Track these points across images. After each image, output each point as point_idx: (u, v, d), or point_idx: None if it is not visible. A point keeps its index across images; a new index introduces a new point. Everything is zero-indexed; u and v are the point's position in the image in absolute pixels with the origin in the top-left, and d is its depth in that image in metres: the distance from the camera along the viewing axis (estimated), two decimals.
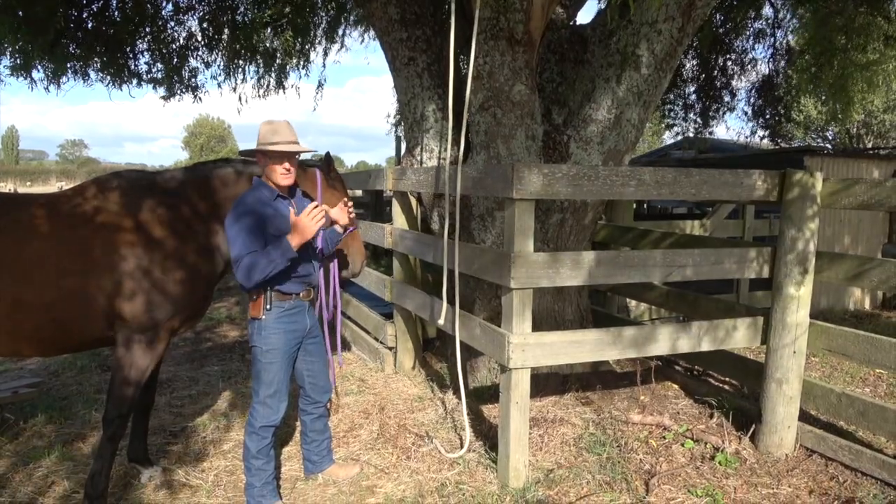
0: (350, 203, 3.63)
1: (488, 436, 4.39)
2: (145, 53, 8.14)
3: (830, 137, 28.90)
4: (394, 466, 4.10)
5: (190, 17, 8.11)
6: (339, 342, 3.84)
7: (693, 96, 12.04)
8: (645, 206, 14.23)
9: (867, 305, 9.27)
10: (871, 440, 4.37)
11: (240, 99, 9.18)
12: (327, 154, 4.01)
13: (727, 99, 11.80)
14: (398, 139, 15.64)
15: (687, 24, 4.87)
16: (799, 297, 4.05)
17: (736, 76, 11.45)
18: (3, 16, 6.08)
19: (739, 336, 4.22)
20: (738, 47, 11.13)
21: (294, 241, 3.21)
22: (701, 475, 3.88)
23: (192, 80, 8.70)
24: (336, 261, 3.92)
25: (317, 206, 3.27)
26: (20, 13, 6.24)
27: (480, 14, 4.44)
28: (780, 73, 11.37)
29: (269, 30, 7.80)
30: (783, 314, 4.08)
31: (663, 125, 14.17)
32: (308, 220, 3.22)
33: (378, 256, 12.80)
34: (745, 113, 12.54)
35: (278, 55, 8.65)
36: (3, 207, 3.37)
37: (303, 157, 3.66)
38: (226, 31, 8.00)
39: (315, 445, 3.89)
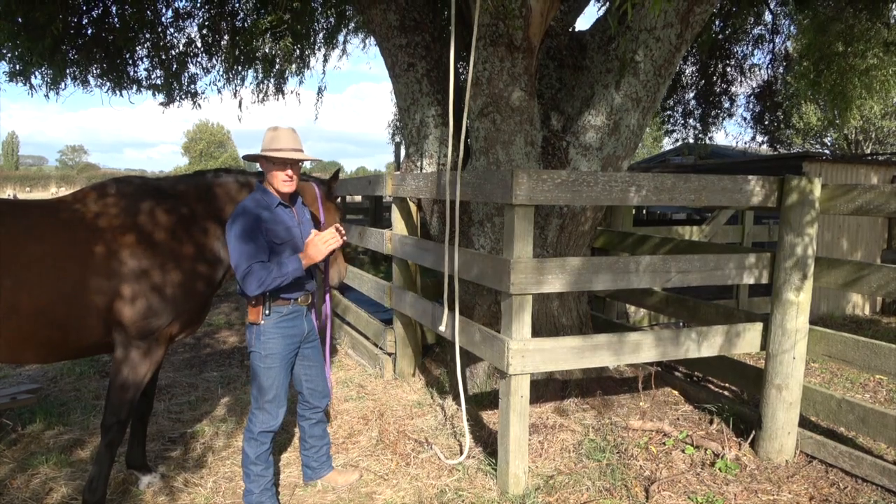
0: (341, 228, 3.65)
1: (488, 442, 4.38)
2: (145, 60, 8.16)
3: (829, 143, 28.96)
4: (393, 473, 4.09)
5: (189, 24, 8.14)
6: (328, 349, 3.87)
7: (692, 102, 12.08)
8: (644, 211, 14.25)
9: (867, 311, 9.27)
10: (872, 446, 4.37)
11: (239, 105, 9.22)
12: (336, 172, 4.12)
13: (726, 105, 11.84)
14: (397, 145, 15.68)
15: (685, 31, 4.88)
16: (798, 303, 4.05)
17: (735, 82, 11.48)
18: (2, 21, 6.09)
19: (739, 342, 4.21)
20: (738, 53, 11.17)
21: (305, 260, 3.33)
22: (701, 481, 3.87)
23: (192, 86, 8.72)
24: (327, 269, 3.93)
25: (331, 233, 3.41)
26: (19, 19, 6.26)
27: (480, 20, 4.45)
28: (780, 78, 11.41)
29: (268, 36, 7.82)
30: (783, 320, 4.08)
31: (663, 131, 14.21)
32: (323, 245, 3.37)
33: (377, 262, 12.81)
34: (745, 119, 12.59)
35: (278, 61, 8.66)
36: (2, 213, 3.36)
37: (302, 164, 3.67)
38: (225, 37, 8.01)
39: (314, 451, 3.88)
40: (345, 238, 3.56)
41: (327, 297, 3.98)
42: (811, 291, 4.08)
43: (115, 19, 7.27)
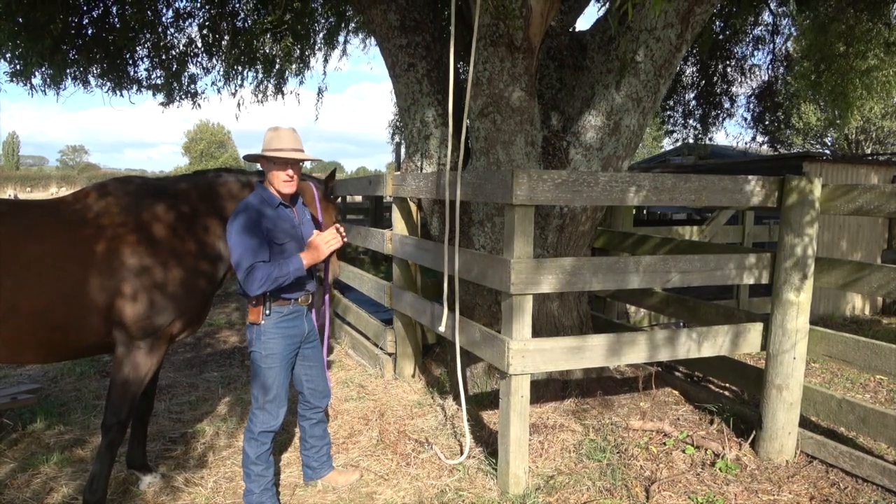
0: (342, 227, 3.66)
1: (488, 442, 4.38)
2: (145, 60, 8.16)
3: (829, 143, 28.97)
4: (393, 473, 4.09)
5: (190, 24, 8.15)
6: (326, 346, 3.88)
7: (693, 102, 12.08)
8: (644, 211, 14.26)
9: (867, 311, 9.27)
10: (872, 447, 4.37)
11: (238, 105, 9.23)
12: (333, 171, 4.14)
13: (727, 105, 11.85)
14: (397, 145, 15.69)
15: (686, 31, 4.88)
16: (798, 303, 4.05)
17: (735, 82, 11.49)
18: (2, 21, 6.09)
19: (739, 342, 4.21)
20: (738, 53, 11.17)
21: (307, 260, 3.33)
22: (701, 482, 3.87)
23: (192, 86, 8.73)
24: (327, 269, 3.94)
25: (332, 233, 3.43)
26: (20, 19, 6.26)
27: (480, 21, 4.45)
28: (780, 79, 11.41)
29: (268, 36, 7.82)
30: (783, 320, 4.08)
31: (663, 131, 14.23)
32: (324, 245, 3.39)
33: (378, 262, 12.81)
34: (745, 119, 12.60)
35: (277, 61, 8.67)
36: (2, 213, 3.36)
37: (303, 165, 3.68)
38: (226, 37, 8.02)
39: (314, 451, 3.88)
40: (345, 239, 3.57)
41: (326, 297, 3.98)
42: (811, 291, 4.08)
43: (116, 19, 7.27)
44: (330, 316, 4.07)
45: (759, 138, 13.68)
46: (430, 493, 3.81)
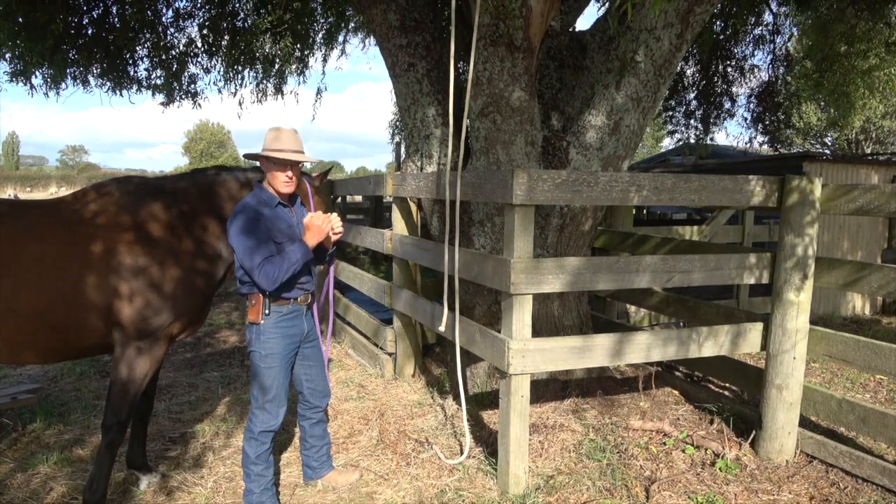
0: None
1: (488, 442, 4.38)
2: (145, 60, 8.15)
3: (829, 143, 28.97)
4: (393, 473, 4.09)
5: (190, 24, 8.14)
6: (331, 328, 3.86)
7: (693, 102, 12.06)
8: (644, 211, 14.25)
9: (867, 311, 9.26)
10: (872, 446, 4.37)
11: (239, 104, 9.23)
12: (328, 171, 4.20)
13: (727, 105, 11.81)
14: (397, 145, 15.69)
15: (685, 31, 4.88)
16: (799, 303, 4.04)
17: (736, 82, 11.46)
18: (2, 21, 6.09)
19: (740, 342, 4.21)
20: (738, 53, 11.15)
21: (310, 241, 3.32)
22: (701, 481, 3.87)
23: (192, 86, 8.71)
24: (332, 262, 3.93)
25: (322, 216, 3.41)
26: (20, 19, 6.26)
27: (480, 20, 4.45)
28: (780, 79, 11.40)
29: (268, 36, 7.82)
30: (783, 320, 4.08)
31: (665, 131, 14.22)
32: (322, 223, 3.36)
33: (378, 262, 12.82)
34: (745, 119, 12.57)
35: (277, 61, 8.67)
36: (2, 213, 3.36)
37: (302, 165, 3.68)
38: (225, 37, 8.02)
39: (314, 451, 3.88)
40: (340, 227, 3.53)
41: (330, 295, 3.97)
42: (811, 291, 4.08)
43: (116, 19, 7.27)
44: (332, 312, 4.07)
45: (759, 138, 13.67)
46: (430, 493, 3.81)
